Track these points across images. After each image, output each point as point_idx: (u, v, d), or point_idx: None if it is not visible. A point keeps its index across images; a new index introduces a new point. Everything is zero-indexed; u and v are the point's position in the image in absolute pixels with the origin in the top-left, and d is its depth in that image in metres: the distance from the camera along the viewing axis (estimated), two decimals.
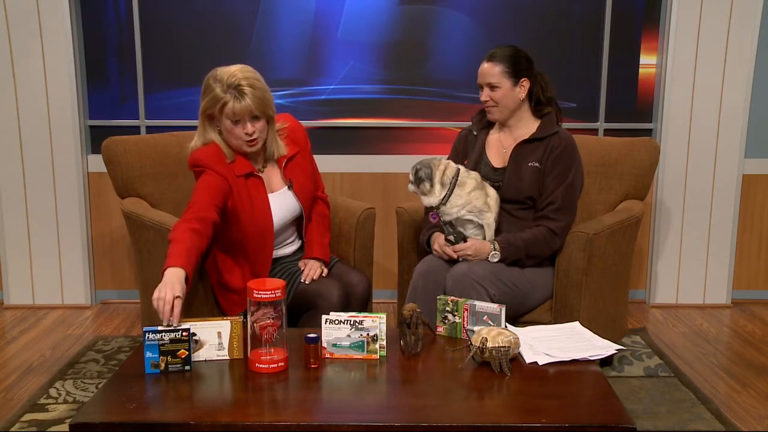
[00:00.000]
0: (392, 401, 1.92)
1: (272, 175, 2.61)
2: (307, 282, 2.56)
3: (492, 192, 2.64)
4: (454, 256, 2.60)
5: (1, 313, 3.70)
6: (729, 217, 3.77)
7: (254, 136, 2.44)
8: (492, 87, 2.64)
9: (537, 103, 2.71)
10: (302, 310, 2.56)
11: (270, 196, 2.56)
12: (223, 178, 2.44)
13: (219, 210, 2.42)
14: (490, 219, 2.61)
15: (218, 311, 2.63)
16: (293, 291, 2.55)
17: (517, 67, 2.63)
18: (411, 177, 2.63)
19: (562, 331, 2.26)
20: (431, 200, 2.61)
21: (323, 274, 2.62)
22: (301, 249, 2.75)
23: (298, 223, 2.72)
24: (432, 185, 2.60)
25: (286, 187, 2.61)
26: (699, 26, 3.57)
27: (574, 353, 2.07)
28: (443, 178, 2.60)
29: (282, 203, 2.59)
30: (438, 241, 2.67)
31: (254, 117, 2.42)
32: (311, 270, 2.59)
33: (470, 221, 2.63)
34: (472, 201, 2.59)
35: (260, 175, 2.55)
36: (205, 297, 2.60)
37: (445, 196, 2.60)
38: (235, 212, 2.48)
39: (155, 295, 2.06)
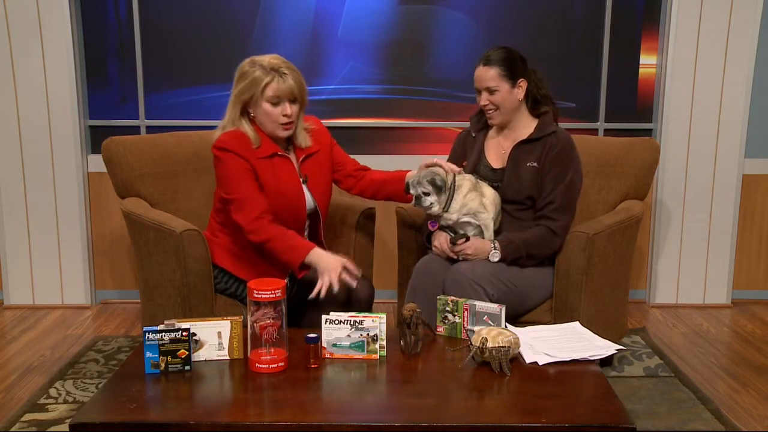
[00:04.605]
0: (392, 401, 1.92)
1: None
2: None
3: (489, 192, 2.63)
4: (453, 255, 2.60)
5: (1, 313, 3.69)
6: (729, 217, 3.77)
7: (291, 119, 2.48)
8: (491, 91, 2.63)
9: (534, 101, 2.71)
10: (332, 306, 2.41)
11: None
12: (245, 162, 2.47)
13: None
14: (486, 219, 2.60)
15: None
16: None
17: (513, 69, 2.62)
18: (419, 191, 2.56)
19: (562, 331, 2.26)
20: (435, 210, 2.59)
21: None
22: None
23: (311, 226, 2.68)
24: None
25: (301, 180, 2.60)
26: (699, 26, 3.56)
27: (574, 353, 2.07)
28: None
29: None
30: (439, 238, 2.66)
31: (292, 100, 2.47)
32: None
33: (468, 223, 2.63)
34: (468, 203, 2.59)
35: (287, 155, 2.58)
36: (205, 297, 2.60)
37: (446, 204, 2.59)
38: (265, 192, 2.50)
39: (326, 278, 2.31)
